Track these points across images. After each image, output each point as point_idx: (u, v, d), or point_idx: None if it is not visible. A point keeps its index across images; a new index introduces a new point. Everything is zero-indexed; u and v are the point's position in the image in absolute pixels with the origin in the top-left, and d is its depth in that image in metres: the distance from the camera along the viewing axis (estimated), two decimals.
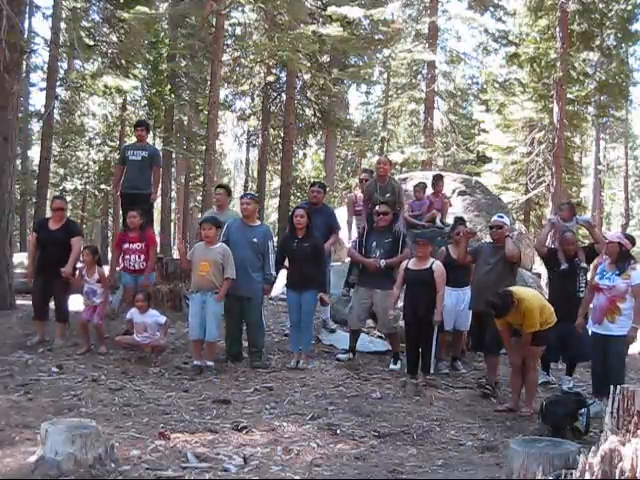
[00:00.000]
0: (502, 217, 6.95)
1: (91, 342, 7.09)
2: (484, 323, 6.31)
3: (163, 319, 6.91)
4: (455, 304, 7.05)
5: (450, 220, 9.70)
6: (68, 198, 28.08)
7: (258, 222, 7.12)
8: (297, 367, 6.73)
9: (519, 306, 5.48)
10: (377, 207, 7.27)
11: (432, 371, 6.62)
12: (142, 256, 7.39)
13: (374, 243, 7.11)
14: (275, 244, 7.27)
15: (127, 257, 7.45)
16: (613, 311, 5.71)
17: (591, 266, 6.31)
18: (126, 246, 7.46)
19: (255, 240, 6.79)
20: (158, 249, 9.57)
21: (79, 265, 7.28)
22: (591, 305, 6.08)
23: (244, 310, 6.83)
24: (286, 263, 7.13)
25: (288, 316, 7.28)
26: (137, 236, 7.46)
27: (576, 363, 6.81)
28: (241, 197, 7.28)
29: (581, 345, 6.32)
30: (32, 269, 7.58)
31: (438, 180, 9.66)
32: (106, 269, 7.78)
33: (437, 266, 6.54)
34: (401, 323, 7.17)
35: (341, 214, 9.06)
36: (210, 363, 6.52)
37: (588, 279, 6.24)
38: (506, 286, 5.85)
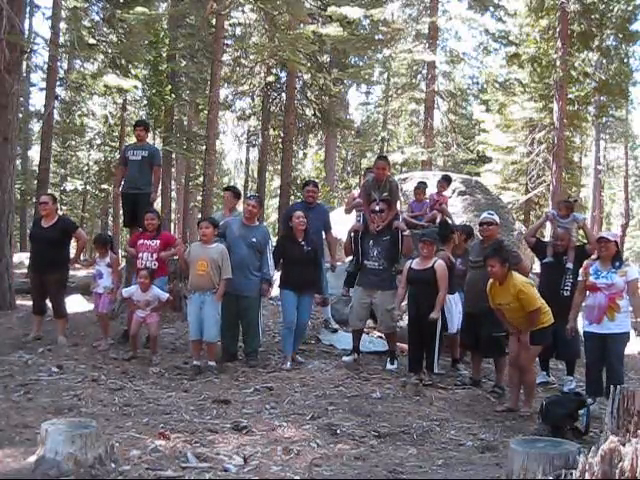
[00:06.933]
0: (492, 214, 6.94)
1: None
2: (477, 324, 6.32)
3: (165, 296, 6.94)
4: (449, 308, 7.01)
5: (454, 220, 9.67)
6: (68, 198, 28.12)
7: (257, 223, 7.16)
8: (292, 368, 6.69)
9: (510, 281, 5.59)
10: (372, 205, 7.21)
11: (437, 370, 6.59)
12: (154, 255, 7.17)
13: (371, 242, 7.08)
14: (273, 244, 7.27)
15: (140, 255, 7.20)
16: (613, 309, 5.74)
17: (581, 268, 6.31)
18: (140, 242, 7.27)
19: (254, 240, 6.81)
20: None
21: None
22: (584, 304, 6.10)
23: (241, 310, 6.83)
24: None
25: (283, 317, 7.18)
26: (151, 235, 7.30)
27: (572, 361, 6.83)
28: (248, 198, 7.27)
29: (568, 342, 6.39)
30: None
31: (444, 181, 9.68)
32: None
33: (439, 265, 6.52)
34: (401, 323, 7.16)
35: (340, 213, 9.04)
36: (211, 363, 6.53)
37: (579, 279, 6.23)
38: None
